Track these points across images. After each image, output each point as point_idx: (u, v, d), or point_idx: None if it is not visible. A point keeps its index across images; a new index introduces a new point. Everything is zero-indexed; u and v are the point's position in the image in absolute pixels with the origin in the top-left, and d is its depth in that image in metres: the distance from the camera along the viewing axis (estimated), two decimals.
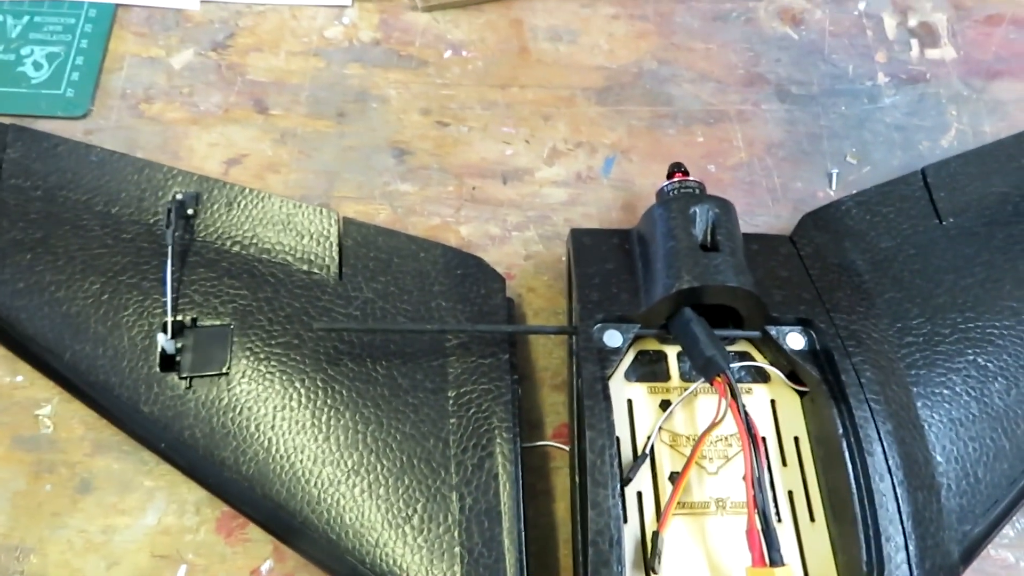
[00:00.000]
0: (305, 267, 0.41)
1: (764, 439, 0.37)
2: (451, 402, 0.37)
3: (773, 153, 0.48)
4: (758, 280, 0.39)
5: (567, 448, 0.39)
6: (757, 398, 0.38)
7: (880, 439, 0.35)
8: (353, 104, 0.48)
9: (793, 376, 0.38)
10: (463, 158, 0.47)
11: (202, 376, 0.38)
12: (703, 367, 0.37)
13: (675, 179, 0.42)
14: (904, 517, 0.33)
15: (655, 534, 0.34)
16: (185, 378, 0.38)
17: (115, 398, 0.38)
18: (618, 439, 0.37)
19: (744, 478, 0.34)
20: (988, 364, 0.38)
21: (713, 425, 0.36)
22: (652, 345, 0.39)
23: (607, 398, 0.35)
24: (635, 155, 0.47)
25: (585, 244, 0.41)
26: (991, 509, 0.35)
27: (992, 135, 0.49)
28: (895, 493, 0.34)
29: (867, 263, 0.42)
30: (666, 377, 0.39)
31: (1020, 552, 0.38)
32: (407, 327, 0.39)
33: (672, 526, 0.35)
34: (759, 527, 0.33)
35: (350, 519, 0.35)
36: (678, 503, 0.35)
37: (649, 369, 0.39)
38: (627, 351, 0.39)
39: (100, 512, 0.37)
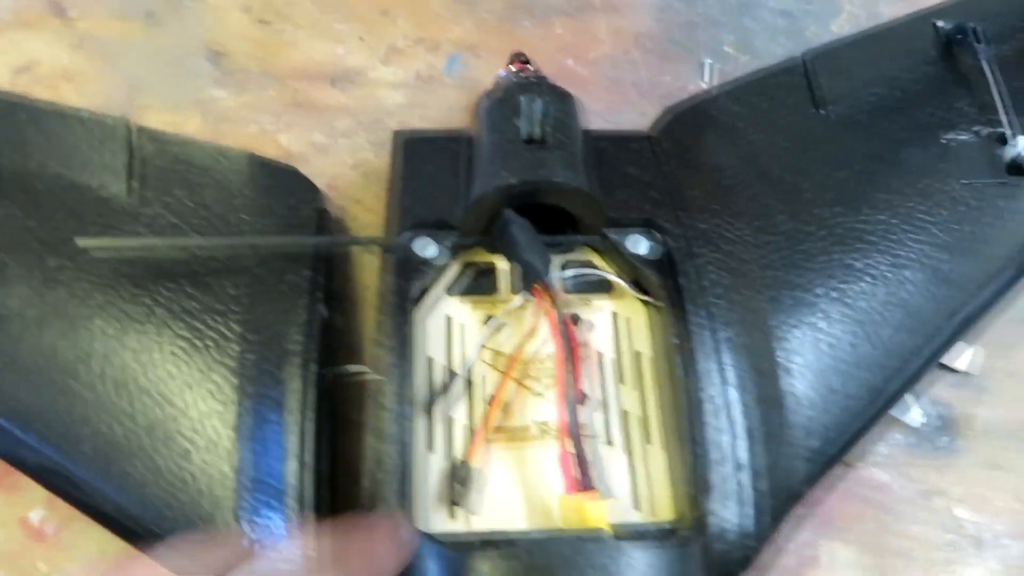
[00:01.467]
0: (90, 182, 0.36)
1: (600, 354, 0.33)
2: (242, 327, 0.33)
3: (641, 45, 0.43)
4: (601, 179, 0.34)
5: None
6: (597, 310, 0.34)
7: (716, 348, 0.30)
8: (163, 3, 0.42)
9: (638, 285, 0.34)
10: (288, 60, 0.42)
11: None
12: (522, 275, 0.32)
13: (512, 69, 0.37)
14: (738, 433, 0.29)
15: (463, 464, 0.30)
16: None
17: None
18: (431, 360, 0.32)
19: (556, 397, 0.30)
20: (854, 263, 0.34)
21: (526, 338, 0.31)
22: (483, 257, 0.35)
23: (402, 311, 0.31)
24: (484, 51, 0.42)
25: (409, 147, 0.36)
26: (849, 423, 0.31)
27: (890, 17, 0.44)
28: (728, 407, 0.29)
29: (733, 159, 0.37)
30: (494, 291, 0.34)
31: (894, 471, 0.35)
32: (180, 242, 0.34)
33: (489, 455, 0.31)
34: (570, 451, 0.29)
35: (121, 465, 0.30)
36: (497, 428, 0.31)
37: (476, 283, 0.34)
38: (450, 264, 0.34)
39: None
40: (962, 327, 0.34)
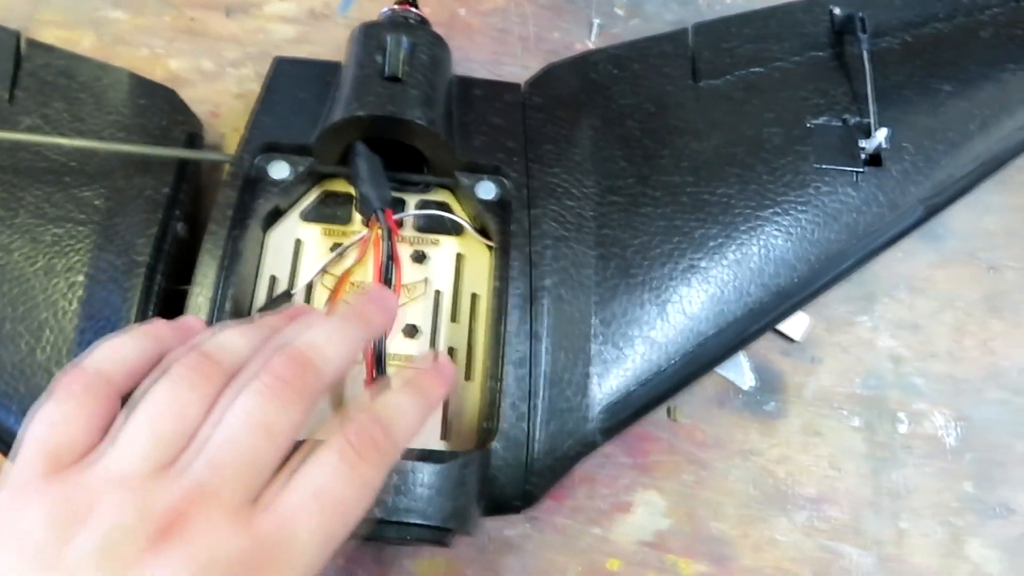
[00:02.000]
0: None
1: (439, 292, 0.34)
2: (97, 235, 0.34)
3: (535, 0, 0.44)
4: (465, 124, 0.36)
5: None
6: (444, 249, 0.35)
7: (531, 295, 0.32)
8: None
9: (484, 231, 0.35)
10: None
11: None
12: (361, 206, 0.34)
13: (396, 8, 0.38)
14: (534, 376, 0.31)
15: None
16: None
17: None
18: (274, 278, 0.34)
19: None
20: (692, 231, 0.35)
21: (353, 265, 0.33)
22: (342, 187, 0.36)
23: (240, 226, 0.33)
24: None
25: (280, 69, 0.37)
26: (657, 384, 0.33)
27: None
28: (533, 353, 0.31)
29: (596, 119, 0.38)
30: (347, 220, 0.36)
31: (719, 429, 0.36)
32: (41, 138, 0.35)
33: None
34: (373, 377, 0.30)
35: None
36: None
37: (332, 211, 0.36)
38: (307, 189, 0.35)
39: None
40: (788, 305, 0.36)
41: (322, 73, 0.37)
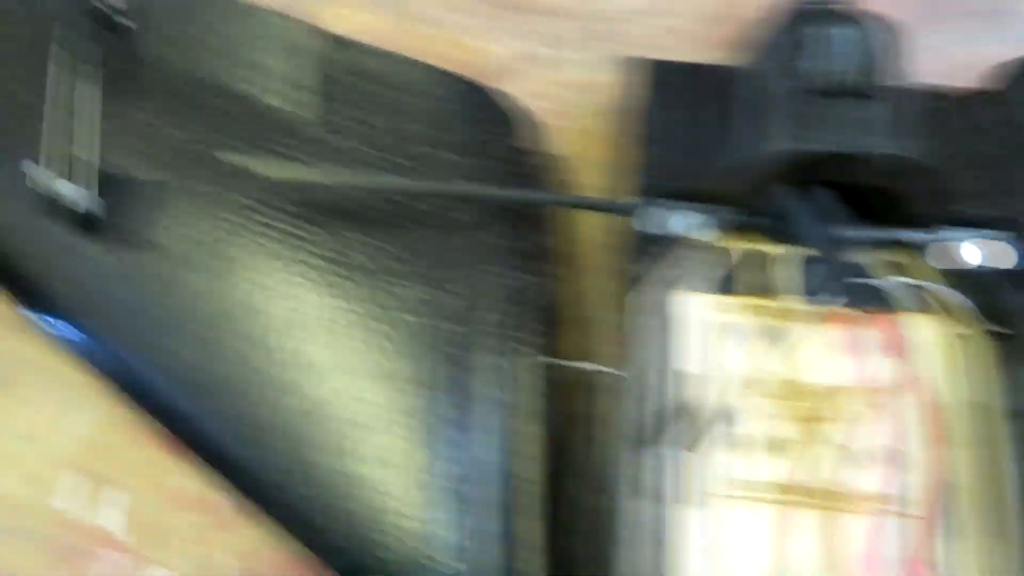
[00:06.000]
0: (274, 101, 0.30)
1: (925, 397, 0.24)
2: (456, 300, 0.26)
3: None
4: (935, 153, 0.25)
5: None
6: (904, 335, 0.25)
7: None
8: None
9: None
10: None
11: (128, 246, 0.28)
12: (829, 283, 0.24)
13: None
14: None
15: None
16: (104, 244, 0.28)
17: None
18: (680, 374, 0.25)
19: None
20: None
21: (870, 389, 0.24)
22: (749, 241, 0.27)
23: (660, 315, 0.24)
24: None
25: (656, 82, 0.28)
26: None
27: None
28: None
29: None
30: (766, 288, 0.26)
31: None
32: (404, 186, 0.28)
33: (733, 517, 0.24)
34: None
35: (283, 460, 0.26)
36: (750, 485, 0.24)
37: (739, 276, 0.26)
38: (710, 246, 0.26)
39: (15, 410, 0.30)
40: None
41: (709, 81, 0.28)
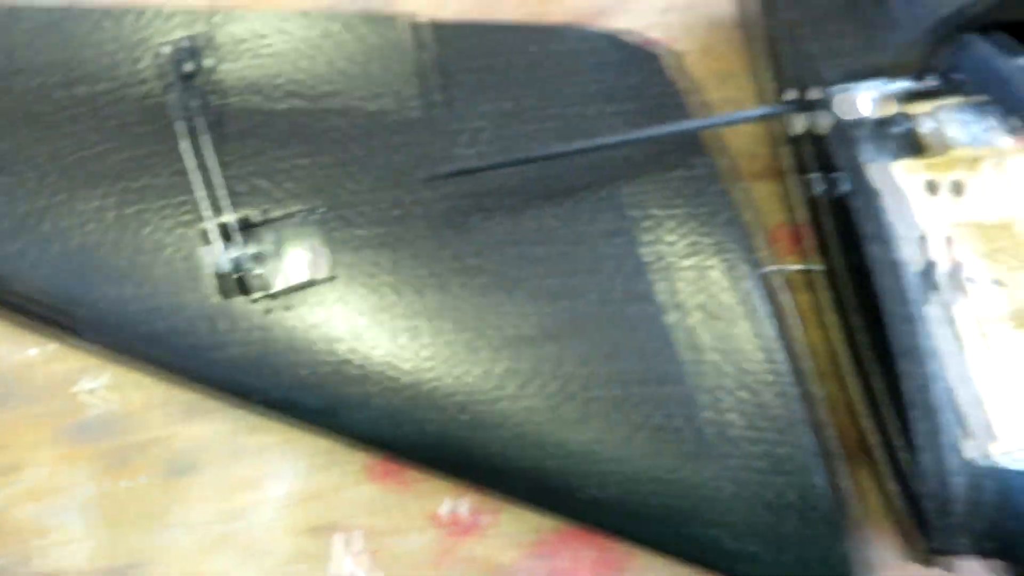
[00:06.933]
0: (377, 105, 0.29)
1: None
2: (645, 246, 0.27)
3: None
4: None
5: (819, 268, 0.29)
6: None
7: None
8: None
9: None
10: None
11: (293, 291, 0.27)
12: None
13: None
14: None
15: None
16: (267, 297, 0.27)
17: (173, 346, 0.27)
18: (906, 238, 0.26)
19: None
20: None
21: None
22: (907, 106, 0.27)
23: (878, 195, 0.25)
24: None
25: None
26: None
27: None
28: None
29: None
30: (924, 148, 0.26)
31: None
32: (552, 151, 0.27)
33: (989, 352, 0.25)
34: None
35: (545, 440, 0.25)
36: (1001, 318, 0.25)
37: (902, 139, 0.27)
38: (884, 120, 0.27)
39: (210, 494, 0.28)
40: None
41: None
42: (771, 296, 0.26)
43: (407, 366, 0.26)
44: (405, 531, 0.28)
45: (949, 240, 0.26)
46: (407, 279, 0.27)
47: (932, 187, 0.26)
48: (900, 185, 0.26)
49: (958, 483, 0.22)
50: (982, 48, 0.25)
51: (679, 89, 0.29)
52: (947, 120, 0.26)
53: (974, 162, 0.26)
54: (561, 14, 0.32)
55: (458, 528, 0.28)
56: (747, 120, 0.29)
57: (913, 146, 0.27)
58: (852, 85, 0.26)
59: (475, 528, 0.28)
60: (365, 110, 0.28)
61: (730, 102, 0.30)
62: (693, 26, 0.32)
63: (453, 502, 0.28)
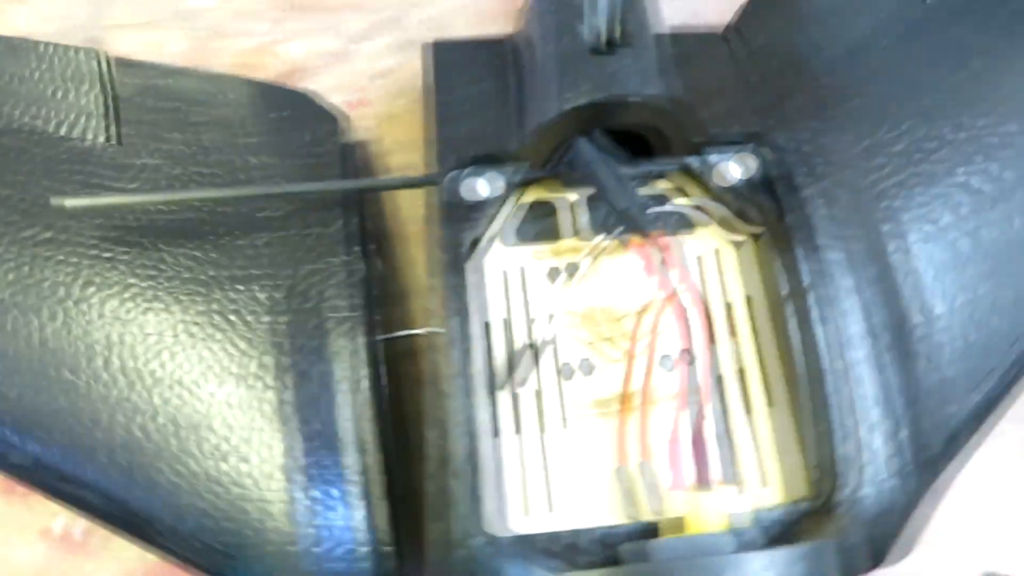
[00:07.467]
0: (63, 131, 0.29)
1: (702, 304, 0.28)
2: (268, 293, 0.28)
3: None
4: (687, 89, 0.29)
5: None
6: (685, 251, 0.29)
7: (836, 297, 0.26)
8: None
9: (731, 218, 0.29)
10: None
11: None
12: (610, 219, 0.28)
13: None
14: (874, 397, 0.25)
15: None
16: None
17: None
18: (489, 325, 0.28)
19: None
20: (984, 187, 0.29)
21: (644, 309, 0.27)
22: (543, 193, 0.29)
23: (456, 269, 0.27)
24: None
25: (441, 60, 0.30)
26: (983, 382, 0.27)
27: None
28: (857, 366, 0.25)
29: (827, 60, 0.31)
30: (554, 235, 0.29)
31: None
32: (182, 195, 0.29)
33: (572, 434, 0.27)
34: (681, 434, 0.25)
35: (145, 472, 0.26)
36: (578, 405, 0.27)
37: (537, 227, 0.29)
38: (505, 203, 0.29)
39: None
40: None
41: (491, 55, 0.30)
42: (381, 364, 0.27)
43: (28, 392, 0.27)
44: (13, 544, 0.28)
45: (551, 323, 0.27)
46: (46, 308, 0.27)
47: (537, 272, 0.28)
48: (504, 268, 0.28)
49: (461, 555, 0.23)
50: (586, 149, 0.27)
51: (349, 151, 0.30)
52: (580, 209, 0.29)
53: (593, 250, 0.28)
54: (271, 69, 0.33)
55: (68, 545, 0.28)
56: (382, 187, 0.31)
57: (526, 232, 0.29)
58: (472, 169, 0.28)
59: (83, 548, 0.28)
60: (46, 134, 0.29)
61: (413, 168, 0.32)
62: (397, 94, 0.33)
63: (68, 520, 0.29)
